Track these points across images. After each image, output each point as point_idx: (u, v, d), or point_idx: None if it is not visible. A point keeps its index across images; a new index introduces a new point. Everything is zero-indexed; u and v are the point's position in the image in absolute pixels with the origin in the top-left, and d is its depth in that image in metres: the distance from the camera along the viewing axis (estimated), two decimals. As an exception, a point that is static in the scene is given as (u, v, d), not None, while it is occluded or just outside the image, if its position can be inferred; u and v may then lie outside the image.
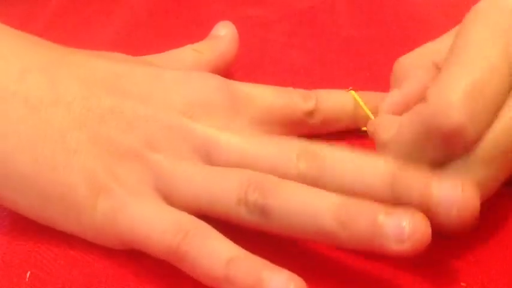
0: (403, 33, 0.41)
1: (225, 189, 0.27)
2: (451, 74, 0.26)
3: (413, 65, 0.32)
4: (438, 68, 0.31)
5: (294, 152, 0.28)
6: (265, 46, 0.40)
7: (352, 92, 0.34)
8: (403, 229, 0.24)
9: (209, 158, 0.29)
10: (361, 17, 0.43)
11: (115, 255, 0.28)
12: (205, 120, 0.29)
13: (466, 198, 0.25)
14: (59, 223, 0.28)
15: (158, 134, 0.28)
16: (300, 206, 0.26)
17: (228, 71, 0.36)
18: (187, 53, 0.36)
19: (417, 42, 0.39)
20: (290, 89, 0.33)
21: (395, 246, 0.24)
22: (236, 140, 0.29)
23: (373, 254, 0.25)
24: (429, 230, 0.24)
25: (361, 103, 0.34)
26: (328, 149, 0.28)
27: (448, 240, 0.28)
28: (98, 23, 0.43)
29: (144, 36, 0.42)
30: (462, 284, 0.27)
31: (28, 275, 0.27)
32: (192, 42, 0.37)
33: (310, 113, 0.33)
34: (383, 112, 0.31)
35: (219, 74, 0.34)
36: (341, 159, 0.27)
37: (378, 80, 0.38)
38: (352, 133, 0.34)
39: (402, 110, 0.30)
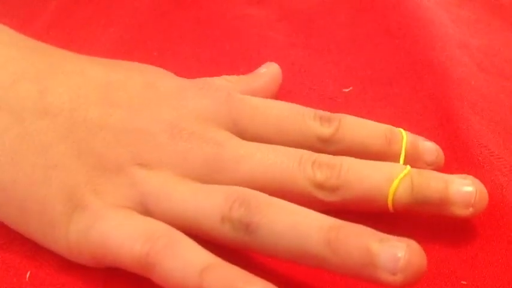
0: (403, 33, 0.41)
1: (210, 205, 0.26)
2: None
3: None
4: None
5: (308, 163, 0.27)
6: (265, 46, 0.40)
7: (401, 130, 0.30)
8: (398, 260, 0.23)
9: (210, 178, 0.27)
10: (361, 17, 0.42)
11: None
12: (200, 136, 0.28)
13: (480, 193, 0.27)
14: (38, 239, 0.27)
15: (146, 150, 0.27)
16: (287, 226, 0.24)
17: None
18: (219, 82, 0.33)
19: (418, 41, 0.39)
20: (307, 108, 0.30)
21: (387, 277, 0.23)
22: (241, 153, 0.27)
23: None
24: (425, 262, 0.23)
25: (404, 142, 0.29)
26: (340, 158, 0.27)
27: (447, 239, 0.28)
28: (98, 24, 0.43)
29: (144, 36, 0.42)
30: (463, 282, 0.27)
31: (28, 275, 0.27)
32: (192, 43, 0.37)
33: (327, 141, 0.29)
34: None
35: None
36: (353, 163, 0.27)
37: (379, 79, 0.38)
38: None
39: None
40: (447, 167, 0.32)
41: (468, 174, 0.31)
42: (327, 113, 0.30)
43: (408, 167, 0.27)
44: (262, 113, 0.29)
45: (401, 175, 0.27)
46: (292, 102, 0.31)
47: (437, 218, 0.29)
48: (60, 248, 0.27)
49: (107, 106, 0.28)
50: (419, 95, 0.36)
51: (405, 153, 0.29)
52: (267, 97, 0.33)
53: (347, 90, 0.36)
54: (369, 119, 0.33)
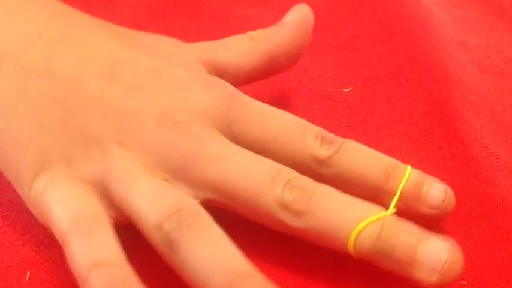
0: (403, 33, 0.41)
1: (154, 209, 0.25)
2: None
3: None
4: None
5: (281, 181, 0.26)
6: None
7: (409, 167, 0.27)
8: None
9: (182, 174, 0.26)
10: (361, 17, 0.42)
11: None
12: (185, 127, 0.27)
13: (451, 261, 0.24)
14: (18, 191, 0.28)
15: (129, 130, 0.27)
16: (201, 257, 0.24)
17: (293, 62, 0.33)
18: (244, 42, 0.32)
19: (418, 41, 0.39)
20: (312, 125, 0.28)
21: None
22: (219, 154, 0.26)
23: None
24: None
25: (404, 181, 0.27)
26: (317, 185, 0.26)
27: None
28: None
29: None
30: (462, 282, 0.27)
31: (28, 275, 0.27)
32: (192, 42, 0.37)
33: (322, 163, 0.27)
34: None
35: (278, 68, 0.31)
36: (328, 193, 0.26)
37: (379, 79, 0.38)
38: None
39: None
40: (447, 167, 0.32)
41: (468, 174, 0.31)
42: (330, 135, 0.28)
43: (387, 212, 0.25)
44: (262, 120, 0.28)
45: (373, 218, 0.24)
46: (292, 102, 0.31)
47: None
48: (27, 204, 0.28)
49: (107, 81, 0.28)
50: (419, 95, 0.36)
51: (403, 193, 0.26)
52: (297, 50, 0.32)
53: (347, 90, 0.36)
54: (368, 119, 0.33)
